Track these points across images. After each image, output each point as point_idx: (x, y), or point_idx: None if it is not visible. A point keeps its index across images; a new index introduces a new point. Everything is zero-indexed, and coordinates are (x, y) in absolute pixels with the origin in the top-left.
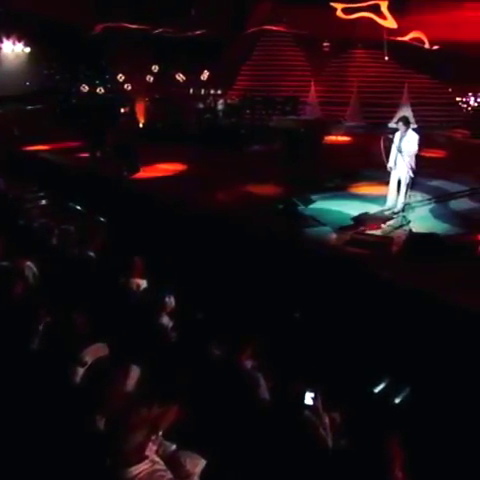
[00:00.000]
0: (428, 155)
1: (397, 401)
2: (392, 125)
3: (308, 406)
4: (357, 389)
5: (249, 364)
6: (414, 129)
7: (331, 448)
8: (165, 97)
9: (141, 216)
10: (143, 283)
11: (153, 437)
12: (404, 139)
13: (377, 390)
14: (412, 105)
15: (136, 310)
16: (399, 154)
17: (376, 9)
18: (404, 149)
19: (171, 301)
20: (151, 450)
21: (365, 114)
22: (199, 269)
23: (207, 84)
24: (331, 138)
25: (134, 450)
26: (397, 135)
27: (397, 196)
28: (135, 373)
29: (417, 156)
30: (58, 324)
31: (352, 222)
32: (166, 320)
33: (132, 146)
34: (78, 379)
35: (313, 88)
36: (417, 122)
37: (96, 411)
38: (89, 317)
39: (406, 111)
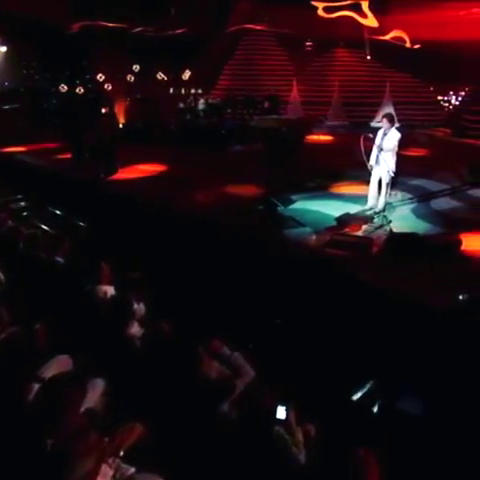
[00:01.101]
0: (410, 154)
1: (375, 410)
2: (374, 124)
3: (280, 421)
4: (335, 397)
5: (215, 375)
6: (396, 128)
7: (304, 466)
8: (146, 97)
9: (115, 218)
10: (110, 290)
11: (110, 460)
12: (386, 137)
13: (356, 397)
14: (394, 104)
15: (103, 319)
16: (380, 152)
17: (357, 8)
18: (386, 147)
19: (141, 308)
20: (105, 476)
21: (347, 113)
22: (175, 273)
23: (189, 83)
24: (313, 137)
25: (83, 478)
26: (379, 132)
27: (378, 196)
28: (99, 387)
29: (399, 155)
30: (18, 335)
31: (333, 223)
32: (136, 328)
33: (110, 147)
34: (31, 396)
35: (295, 87)
36: (399, 121)
37: (46, 433)
38: (52, 327)
39: (388, 110)
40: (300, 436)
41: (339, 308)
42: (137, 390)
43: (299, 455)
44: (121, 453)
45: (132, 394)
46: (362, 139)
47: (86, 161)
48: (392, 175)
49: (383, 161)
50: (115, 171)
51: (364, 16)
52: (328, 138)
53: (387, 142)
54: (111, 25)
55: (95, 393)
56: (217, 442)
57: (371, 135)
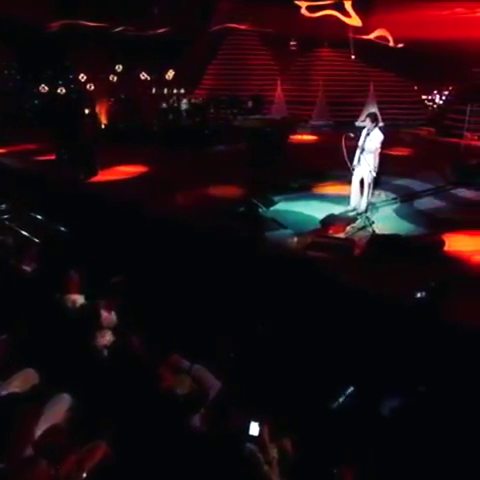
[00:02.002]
0: (394, 153)
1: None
2: (359, 123)
3: (252, 437)
4: (313, 407)
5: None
6: (380, 128)
7: None
8: (128, 97)
9: (92, 222)
10: (80, 299)
11: None
12: (368, 137)
13: (335, 404)
14: (378, 103)
15: (70, 329)
16: (362, 152)
17: (340, 7)
18: (368, 147)
19: (113, 317)
20: None
21: (332, 113)
22: (150, 279)
23: (172, 83)
24: (297, 137)
25: None
26: (363, 132)
27: (360, 196)
28: (65, 403)
29: (383, 154)
30: None
31: (315, 225)
32: (106, 338)
33: (90, 148)
34: None
35: (279, 87)
36: (383, 120)
37: None
38: (17, 339)
39: (372, 109)
40: (274, 452)
41: (319, 313)
42: (103, 405)
43: (272, 474)
44: (84, 475)
45: (98, 410)
46: (344, 138)
47: (65, 163)
48: (374, 175)
49: (365, 161)
50: (95, 173)
51: (347, 15)
52: (312, 138)
53: (369, 143)
54: (91, 24)
55: (61, 408)
56: (185, 460)
57: (352, 134)
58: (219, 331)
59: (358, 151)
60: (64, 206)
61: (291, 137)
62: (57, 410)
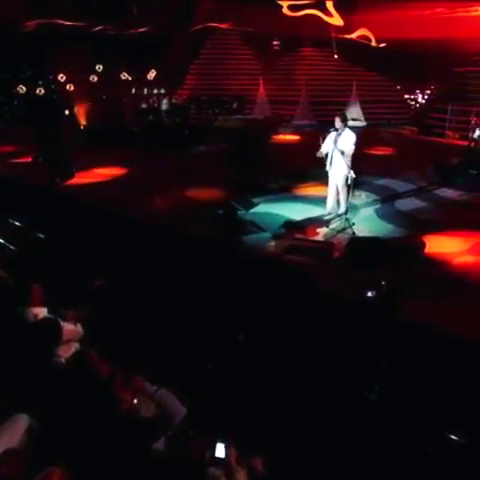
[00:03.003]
0: (376, 153)
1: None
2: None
3: (218, 460)
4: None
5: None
6: (357, 127)
7: None
8: (108, 97)
9: (67, 227)
10: (43, 312)
11: None
12: (340, 138)
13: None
14: (361, 103)
15: (28, 345)
16: (336, 153)
17: (322, 6)
18: (340, 148)
19: (78, 329)
20: None
21: (315, 112)
22: (124, 285)
23: (154, 83)
24: (280, 137)
25: None
26: (333, 133)
27: (336, 198)
28: (23, 424)
29: (364, 154)
30: None
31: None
32: (72, 351)
33: (66, 150)
34: None
35: (262, 87)
36: (366, 120)
37: None
38: None
39: (355, 109)
40: (241, 475)
41: (295, 322)
42: (61, 427)
43: None
44: None
45: (55, 432)
46: (321, 139)
47: (41, 165)
48: (353, 176)
49: (338, 164)
50: (71, 176)
51: (329, 15)
52: (295, 138)
53: (342, 144)
54: (68, 24)
55: (17, 430)
56: None
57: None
58: (194, 345)
59: (330, 153)
60: (39, 211)
61: (273, 137)
62: (13, 432)
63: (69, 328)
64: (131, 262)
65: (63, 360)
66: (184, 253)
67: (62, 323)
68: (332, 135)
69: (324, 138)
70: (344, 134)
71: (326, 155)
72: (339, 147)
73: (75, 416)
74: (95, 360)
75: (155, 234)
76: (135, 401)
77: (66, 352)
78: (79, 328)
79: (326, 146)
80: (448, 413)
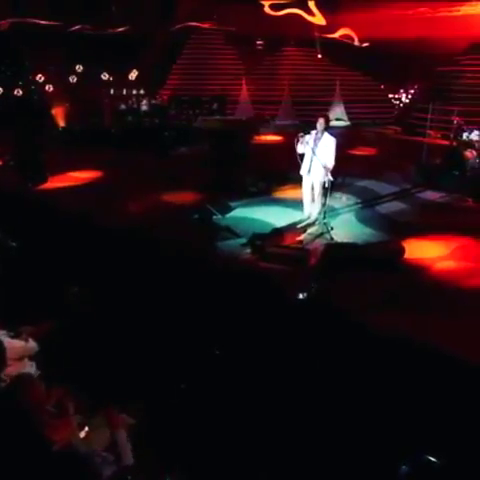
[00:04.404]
0: (358, 153)
1: None
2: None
3: None
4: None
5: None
6: (340, 127)
7: None
8: (86, 98)
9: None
10: None
11: None
12: (320, 143)
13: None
14: (345, 102)
15: None
16: (315, 160)
17: (304, 6)
18: (321, 157)
19: (31, 344)
20: None
21: (298, 112)
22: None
23: (136, 84)
24: (262, 138)
25: None
26: (312, 135)
27: (312, 203)
28: None
29: (346, 155)
30: None
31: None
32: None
33: (39, 153)
34: None
35: (245, 87)
36: (350, 119)
37: None
38: None
39: (339, 109)
40: None
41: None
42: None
43: None
44: None
45: None
46: (296, 140)
47: (12, 169)
48: (331, 179)
49: (318, 169)
50: (44, 180)
51: (311, 14)
52: (277, 138)
53: (323, 152)
54: (43, 23)
55: None
56: None
57: (306, 135)
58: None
59: (308, 157)
60: (8, 216)
61: (255, 138)
62: None
63: (17, 345)
64: (99, 272)
65: (8, 380)
66: (154, 262)
67: (9, 340)
68: (310, 138)
69: (298, 140)
70: (324, 139)
71: (301, 158)
72: (319, 155)
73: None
74: (33, 386)
75: (124, 241)
76: (82, 434)
77: (14, 370)
78: (32, 344)
79: (302, 149)
80: (425, 432)
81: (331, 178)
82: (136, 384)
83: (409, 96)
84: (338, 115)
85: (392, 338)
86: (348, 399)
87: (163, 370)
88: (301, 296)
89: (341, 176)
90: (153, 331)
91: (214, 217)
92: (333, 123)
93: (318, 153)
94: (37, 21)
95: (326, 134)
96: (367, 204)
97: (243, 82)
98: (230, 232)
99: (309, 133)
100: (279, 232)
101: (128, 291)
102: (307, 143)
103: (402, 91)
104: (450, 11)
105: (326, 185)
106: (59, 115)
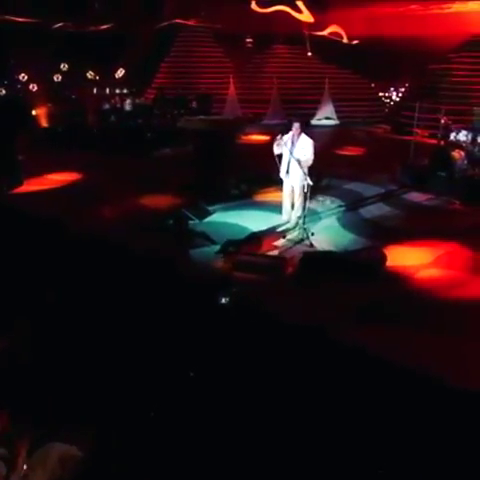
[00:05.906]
0: (345, 153)
1: None
2: (315, 122)
3: None
4: None
5: None
6: (329, 126)
7: None
8: (69, 98)
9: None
10: None
11: None
12: (297, 144)
13: None
14: (334, 101)
15: None
16: (293, 161)
17: (291, 2)
18: (297, 158)
19: None
20: None
21: (287, 111)
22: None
23: (123, 83)
24: (249, 137)
25: None
26: (289, 137)
27: (292, 207)
28: None
29: (332, 155)
30: None
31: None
32: None
33: (15, 156)
34: None
35: (233, 85)
36: (339, 118)
37: None
38: None
39: (328, 107)
40: None
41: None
42: None
43: None
44: None
45: None
46: (274, 141)
47: None
48: (311, 184)
49: (296, 172)
50: (19, 183)
51: (299, 11)
52: (265, 138)
53: (300, 153)
54: (21, 20)
55: None
56: None
57: (284, 136)
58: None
59: (286, 158)
60: None
61: (242, 138)
62: None
63: None
64: (67, 281)
65: None
66: (120, 271)
67: None
68: (287, 140)
69: (275, 141)
70: (301, 141)
71: (279, 160)
72: (296, 156)
73: None
74: None
75: (93, 248)
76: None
77: None
78: None
79: (279, 150)
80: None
81: (310, 182)
82: (89, 407)
83: (399, 94)
84: (327, 114)
85: (361, 354)
86: (325, 416)
87: (124, 389)
88: (223, 301)
89: (327, 178)
90: (122, 352)
91: (190, 222)
92: (322, 122)
93: (295, 154)
94: (16, 19)
95: (303, 135)
96: (351, 207)
97: (231, 81)
98: (205, 238)
99: (287, 133)
100: (256, 238)
101: (91, 300)
102: (285, 144)
103: (392, 89)
104: (441, 8)
105: (305, 189)
106: (42, 115)
